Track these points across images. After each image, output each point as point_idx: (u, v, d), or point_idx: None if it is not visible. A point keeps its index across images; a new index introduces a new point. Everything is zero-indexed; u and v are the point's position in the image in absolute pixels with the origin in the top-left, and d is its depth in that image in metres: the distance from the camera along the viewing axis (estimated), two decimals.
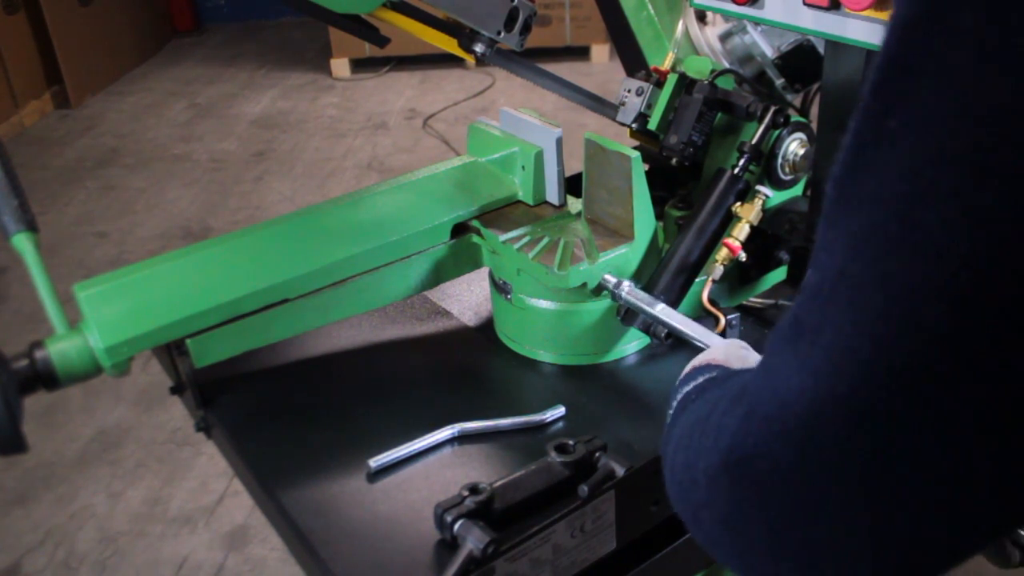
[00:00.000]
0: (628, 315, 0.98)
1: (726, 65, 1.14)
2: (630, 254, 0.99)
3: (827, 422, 0.39)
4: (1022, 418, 0.37)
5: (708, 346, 0.89)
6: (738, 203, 1.03)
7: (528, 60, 1.12)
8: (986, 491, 0.39)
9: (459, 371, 1.06)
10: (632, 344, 1.04)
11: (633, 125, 1.13)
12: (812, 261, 0.43)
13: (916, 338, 0.37)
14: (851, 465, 0.39)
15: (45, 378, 0.83)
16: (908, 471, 0.38)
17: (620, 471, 0.81)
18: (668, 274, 1.00)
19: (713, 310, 1.00)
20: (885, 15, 0.83)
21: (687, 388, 0.63)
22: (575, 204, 1.09)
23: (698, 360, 0.70)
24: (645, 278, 1.01)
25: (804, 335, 0.41)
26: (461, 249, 1.06)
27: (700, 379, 0.63)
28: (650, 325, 0.96)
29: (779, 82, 1.13)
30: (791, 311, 0.43)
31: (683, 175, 1.17)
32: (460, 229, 1.06)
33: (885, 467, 0.39)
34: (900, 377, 0.37)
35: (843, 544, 0.41)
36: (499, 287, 1.05)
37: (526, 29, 1.07)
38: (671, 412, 0.63)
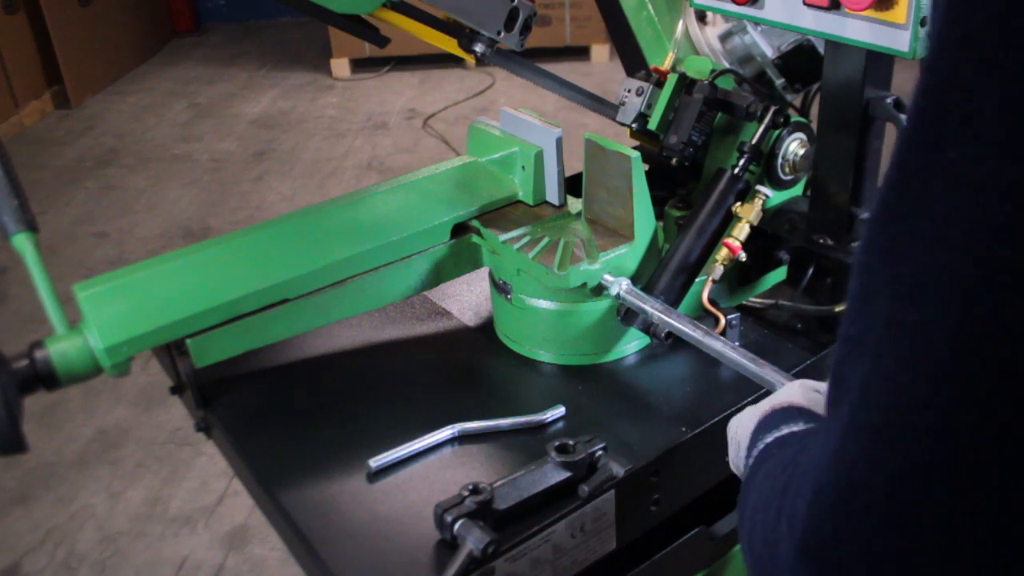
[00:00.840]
0: (628, 315, 0.98)
1: (726, 65, 1.14)
2: (630, 254, 0.99)
3: (900, 482, 0.36)
4: None
5: (700, 338, 0.89)
6: (738, 203, 1.03)
7: (528, 60, 1.12)
8: None
9: (459, 371, 1.06)
10: (632, 344, 1.04)
11: (633, 125, 1.13)
12: (849, 313, 0.39)
13: (996, 392, 0.33)
14: (926, 533, 0.36)
15: (45, 378, 0.83)
16: (990, 529, 0.35)
17: (620, 471, 0.81)
18: (668, 274, 1.00)
19: (713, 310, 1.00)
20: (885, 15, 0.83)
21: (768, 439, 0.60)
22: (575, 204, 1.09)
23: (776, 401, 0.66)
24: (645, 278, 1.01)
25: (875, 394, 0.37)
26: (461, 249, 1.06)
27: (783, 430, 0.60)
28: (650, 325, 0.96)
29: (779, 82, 1.13)
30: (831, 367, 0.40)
31: (683, 175, 1.17)
32: (460, 229, 1.06)
33: (956, 532, 0.35)
34: (979, 432, 0.34)
35: None
36: (499, 287, 1.05)
37: (526, 29, 1.07)
38: (749, 462, 0.60)
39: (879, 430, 0.36)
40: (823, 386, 0.69)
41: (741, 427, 0.68)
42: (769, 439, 0.60)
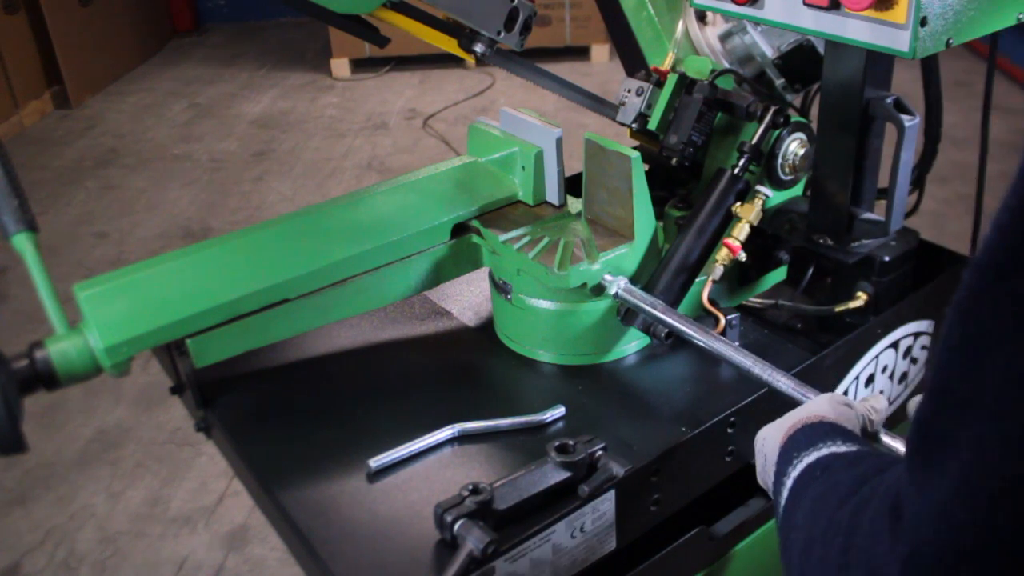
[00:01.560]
0: (628, 315, 0.98)
1: (726, 65, 1.14)
2: (630, 254, 0.99)
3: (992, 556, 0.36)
4: None
5: (700, 338, 0.89)
6: (738, 203, 1.03)
7: (528, 60, 1.12)
8: None
9: (459, 371, 1.06)
10: (632, 344, 1.04)
11: (633, 125, 1.13)
12: (954, 363, 0.38)
13: None
14: None
15: (45, 378, 0.83)
16: None
17: (620, 471, 0.81)
18: (668, 274, 1.00)
19: (713, 310, 1.00)
20: (885, 15, 0.83)
21: (808, 458, 0.59)
22: (575, 204, 1.09)
23: (806, 416, 0.65)
24: (645, 278, 1.01)
25: (947, 449, 0.37)
26: (461, 249, 1.06)
27: (823, 450, 0.59)
28: (650, 325, 0.96)
29: (779, 82, 1.13)
30: (924, 424, 0.38)
31: (683, 175, 1.17)
32: (460, 229, 1.06)
33: None
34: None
35: None
36: (499, 287, 1.05)
37: (526, 29, 1.07)
38: (786, 482, 0.59)
39: (994, 498, 0.35)
40: (853, 401, 0.68)
41: (768, 441, 0.67)
42: (810, 459, 0.58)
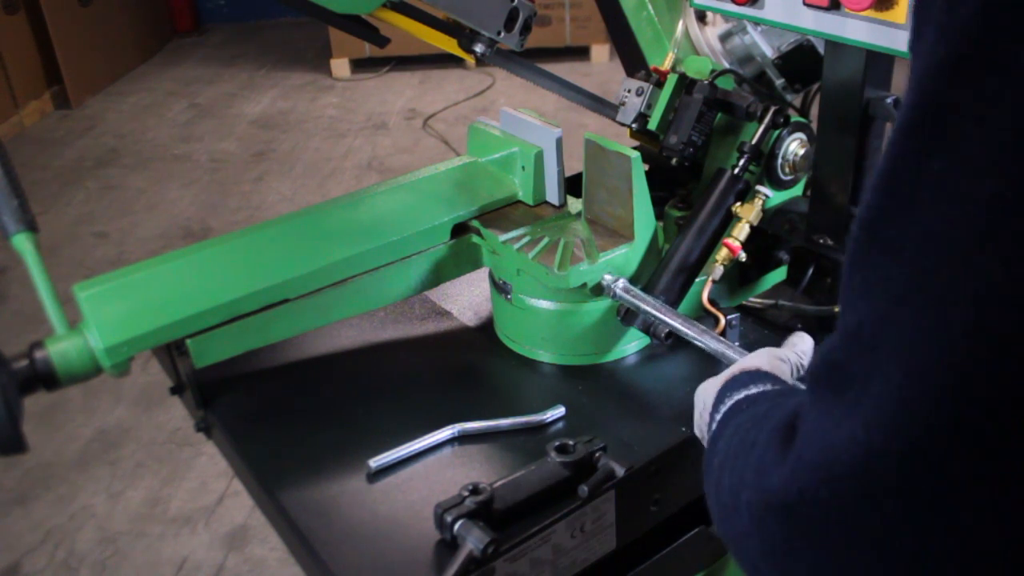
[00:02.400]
0: (628, 315, 0.98)
1: (726, 65, 1.14)
2: (630, 254, 0.99)
3: (882, 475, 0.38)
4: None
5: (701, 341, 0.89)
6: (738, 203, 1.03)
7: (528, 60, 1.12)
8: None
9: (459, 371, 1.06)
10: (632, 344, 1.04)
11: (633, 125, 1.13)
12: (843, 302, 0.41)
13: (981, 388, 0.35)
14: (908, 515, 0.38)
15: (45, 378, 0.83)
16: (970, 521, 0.37)
17: (620, 471, 0.81)
18: (668, 274, 1.00)
19: (713, 310, 1.00)
20: (885, 15, 0.83)
21: (738, 396, 0.62)
22: (575, 204, 1.09)
23: (744, 366, 0.69)
24: (645, 278, 1.01)
25: (849, 383, 0.40)
26: (461, 249, 1.06)
27: (752, 390, 0.62)
28: (650, 325, 0.96)
29: (779, 82, 1.12)
30: (827, 354, 0.42)
31: (683, 175, 1.17)
32: (460, 229, 1.06)
33: (944, 517, 0.38)
34: (964, 428, 0.36)
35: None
36: (499, 287, 1.05)
37: (526, 29, 1.07)
38: (716, 418, 0.62)
39: (882, 428, 0.38)
40: (787, 355, 0.73)
41: (706, 391, 0.71)
42: (739, 396, 0.62)
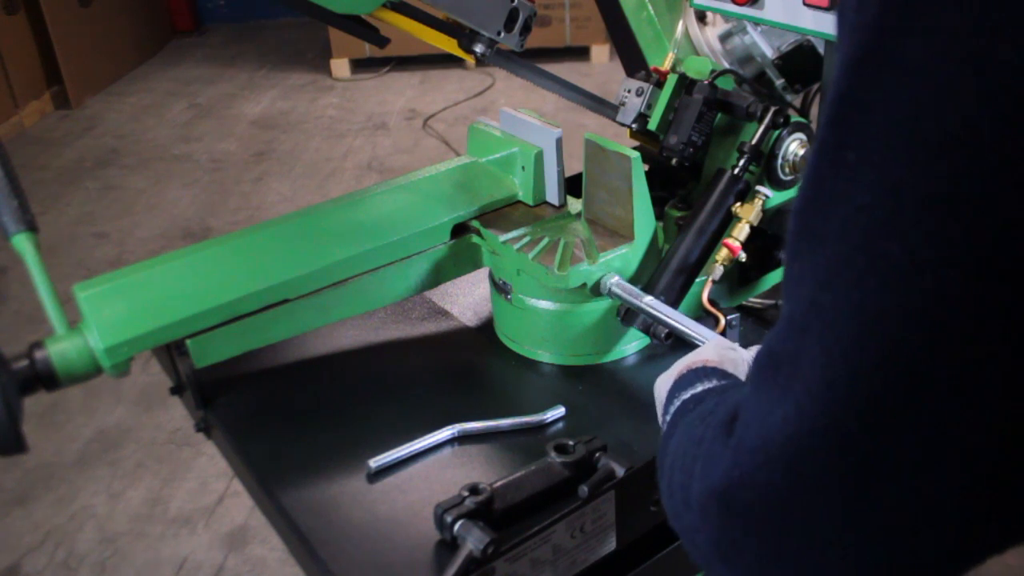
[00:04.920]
0: (628, 315, 0.98)
1: (726, 65, 1.14)
2: (630, 254, 0.99)
3: (811, 453, 0.40)
4: (1001, 438, 0.37)
5: (700, 337, 0.89)
6: (738, 203, 1.03)
7: (528, 60, 1.12)
8: (971, 513, 0.39)
9: (459, 371, 1.06)
10: (632, 344, 1.04)
11: (633, 125, 1.13)
12: (783, 292, 0.43)
13: (893, 366, 0.37)
14: (836, 494, 0.40)
15: (45, 378, 0.83)
16: (893, 497, 0.39)
17: (620, 471, 0.81)
18: (668, 274, 1.00)
19: (713, 310, 1.00)
20: None
21: (684, 396, 0.63)
22: (575, 204, 1.09)
23: (691, 361, 0.70)
24: (645, 278, 1.01)
25: (782, 367, 0.42)
26: (461, 249, 1.06)
27: (698, 388, 0.63)
28: (650, 325, 0.96)
29: (779, 82, 1.13)
30: (767, 342, 0.44)
31: (683, 175, 1.17)
32: (460, 229, 1.06)
33: (870, 495, 0.39)
34: (880, 405, 0.38)
35: (832, 569, 0.42)
36: (499, 287, 1.05)
37: (526, 29, 1.06)
38: (667, 419, 0.64)
39: (818, 403, 0.40)
40: (736, 346, 0.74)
41: (660, 388, 0.71)
42: (686, 396, 0.63)
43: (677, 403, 0.64)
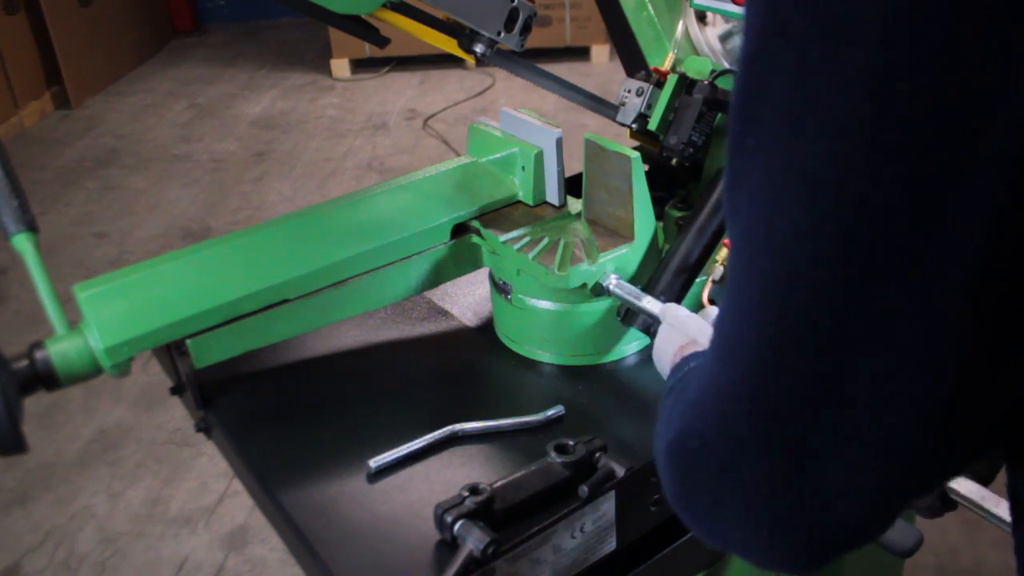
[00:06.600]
0: (628, 315, 0.98)
1: (726, 65, 1.14)
2: (630, 254, 0.99)
3: (730, 400, 0.46)
4: (884, 386, 0.42)
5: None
6: None
7: (528, 60, 1.12)
8: (869, 455, 0.44)
9: (459, 371, 1.06)
10: (632, 344, 1.04)
11: (633, 126, 1.13)
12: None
13: (783, 323, 0.43)
14: (753, 439, 0.46)
15: (45, 378, 0.83)
16: (800, 438, 0.44)
17: (620, 471, 0.82)
18: (668, 274, 1.00)
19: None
20: None
21: (676, 377, 0.68)
22: (575, 204, 1.09)
23: (683, 342, 0.77)
24: (645, 278, 1.01)
25: (718, 327, 0.48)
26: (461, 249, 1.06)
27: (685, 369, 0.69)
28: (650, 325, 0.96)
29: None
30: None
31: (683, 175, 1.17)
32: (460, 229, 1.06)
33: (776, 438, 0.45)
34: (779, 357, 0.43)
35: (766, 512, 0.47)
36: (499, 287, 1.05)
37: (526, 29, 1.07)
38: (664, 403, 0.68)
39: (733, 358, 0.46)
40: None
41: (662, 363, 0.80)
42: (677, 377, 0.68)
43: (670, 384, 0.69)
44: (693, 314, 0.84)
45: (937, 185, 0.38)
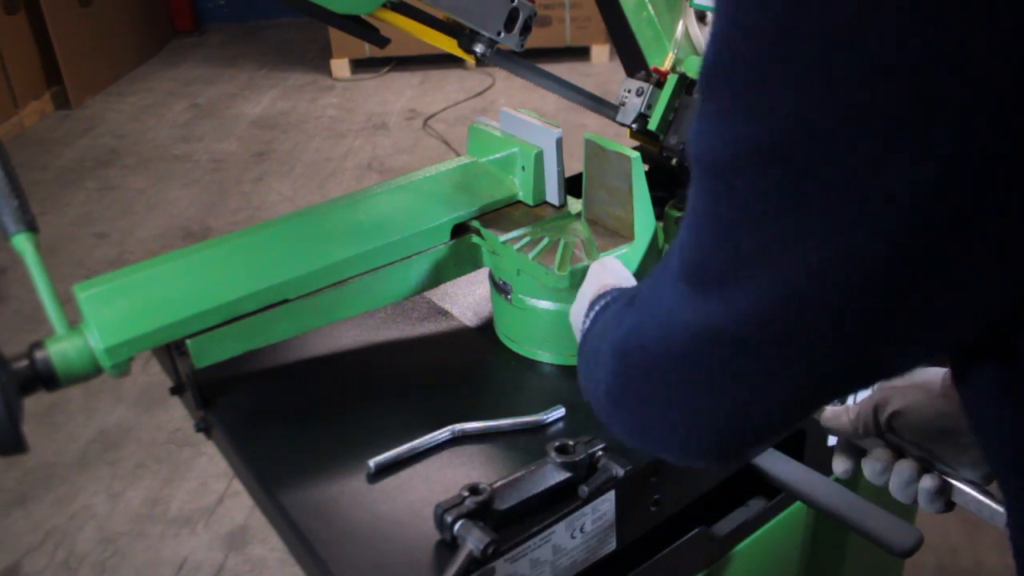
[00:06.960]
0: None
1: None
2: (630, 254, 0.99)
3: (706, 347, 0.50)
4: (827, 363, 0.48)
5: None
6: None
7: (528, 60, 1.12)
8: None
9: (459, 371, 1.06)
10: None
11: (633, 126, 1.13)
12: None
13: (707, 257, 0.49)
14: (707, 376, 0.51)
15: (45, 378, 0.83)
16: (760, 383, 0.50)
17: (620, 471, 0.82)
18: None
19: None
20: None
21: (599, 305, 0.75)
22: (575, 204, 1.09)
23: (597, 288, 0.81)
24: None
25: (709, 283, 0.50)
26: (461, 249, 1.06)
27: (608, 298, 0.75)
28: None
29: None
30: (693, 254, 0.52)
31: (683, 175, 1.17)
32: (460, 229, 1.06)
33: (740, 378, 0.50)
34: (765, 321, 0.47)
35: (694, 412, 0.53)
36: (499, 287, 1.05)
37: (526, 29, 1.06)
38: (591, 316, 0.75)
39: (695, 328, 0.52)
40: (619, 264, 0.88)
41: (576, 314, 0.82)
42: (600, 304, 0.75)
43: (594, 310, 0.75)
44: (625, 268, 0.89)
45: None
